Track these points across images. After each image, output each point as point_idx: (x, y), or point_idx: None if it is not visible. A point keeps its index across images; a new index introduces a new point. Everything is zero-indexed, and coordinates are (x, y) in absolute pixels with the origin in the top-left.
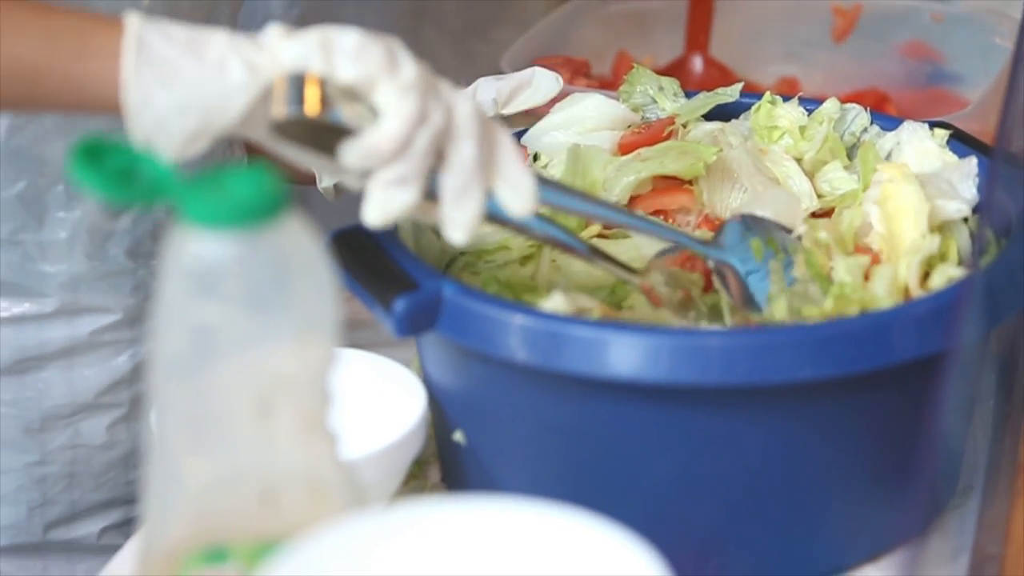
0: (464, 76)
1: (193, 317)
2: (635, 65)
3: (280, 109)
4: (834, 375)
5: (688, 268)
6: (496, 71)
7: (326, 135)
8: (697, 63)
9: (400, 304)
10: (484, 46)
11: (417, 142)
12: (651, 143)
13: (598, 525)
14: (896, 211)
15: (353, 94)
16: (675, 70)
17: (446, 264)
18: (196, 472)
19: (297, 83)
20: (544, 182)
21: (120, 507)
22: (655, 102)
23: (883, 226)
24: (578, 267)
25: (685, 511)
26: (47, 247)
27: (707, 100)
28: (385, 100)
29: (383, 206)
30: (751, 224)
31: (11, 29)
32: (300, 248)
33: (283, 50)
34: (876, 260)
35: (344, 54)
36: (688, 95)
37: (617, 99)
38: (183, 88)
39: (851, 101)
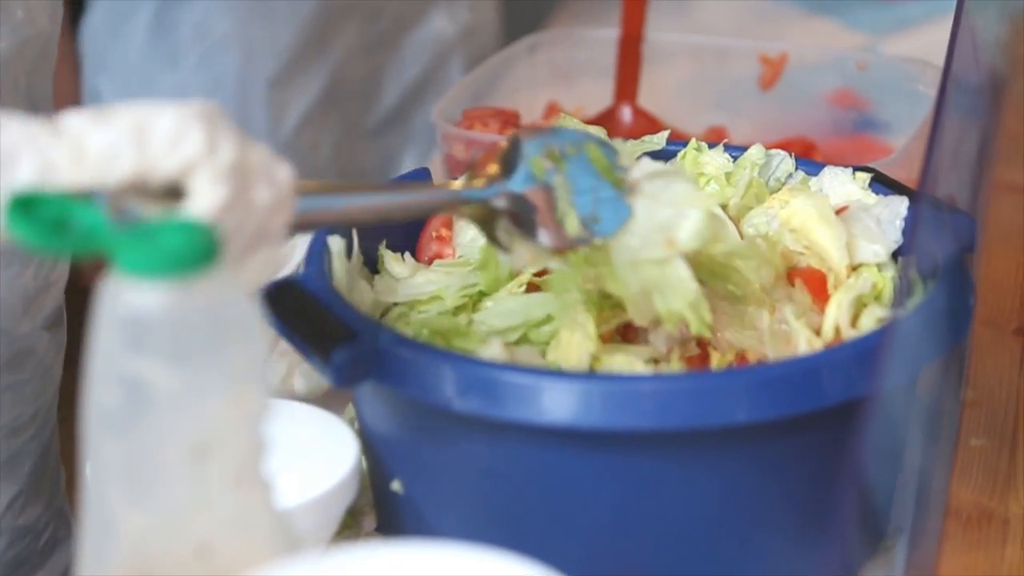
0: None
1: (126, 369)
2: (562, 114)
3: None
4: (768, 418)
5: None
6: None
7: None
8: (626, 113)
9: (338, 355)
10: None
11: (226, 227)
12: None
13: (530, 568)
14: (802, 226)
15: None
16: (605, 120)
17: (380, 314)
18: (131, 523)
19: None
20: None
21: None
22: None
23: (798, 244)
24: (507, 307)
25: (621, 554)
26: None
27: (634, 148)
28: (196, 185)
29: None
30: (532, 138)
31: None
32: (232, 299)
33: (90, 141)
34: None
35: (161, 142)
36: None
37: None
38: None
39: (778, 148)
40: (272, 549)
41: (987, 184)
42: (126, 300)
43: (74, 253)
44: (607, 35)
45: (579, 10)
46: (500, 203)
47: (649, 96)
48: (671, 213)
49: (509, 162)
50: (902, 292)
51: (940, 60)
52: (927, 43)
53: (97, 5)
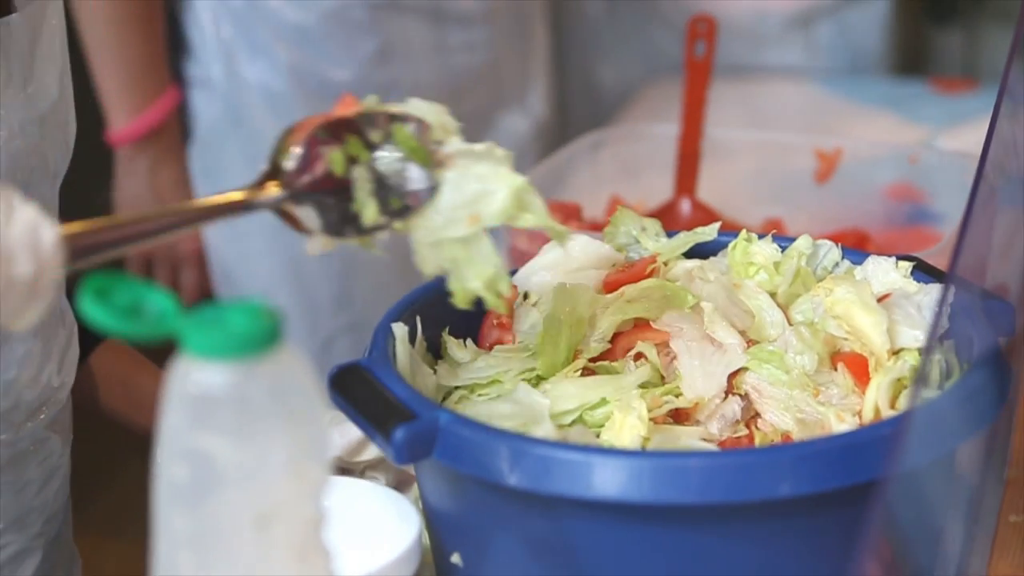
0: None
1: (193, 444)
2: (619, 207)
3: None
4: (807, 492)
5: None
6: None
7: None
8: (685, 206)
9: (399, 433)
10: None
11: None
12: (634, 281)
13: None
14: (845, 312)
15: None
16: (665, 213)
17: (442, 398)
18: None
19: None
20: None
21: None
22: (638, 242)
23: (841, 329)
24: (563, 391)
25: None
26: None
27: (687, 239)
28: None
29: None
30: (336, 130)
31: None
32: (294, 378)
33: None
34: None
35: None
36: (669, 235)
37: (602, 240)
38: None
39: (831, 239)
40: None
41: None
42: (195, 379)
43: (145, 337)
44: (668, 131)
45: (641, 109)
46: (289, 206)
47: (709, 189)
48: (477, 189)
49: (306, 160)
50: (920, 377)
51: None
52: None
53: None
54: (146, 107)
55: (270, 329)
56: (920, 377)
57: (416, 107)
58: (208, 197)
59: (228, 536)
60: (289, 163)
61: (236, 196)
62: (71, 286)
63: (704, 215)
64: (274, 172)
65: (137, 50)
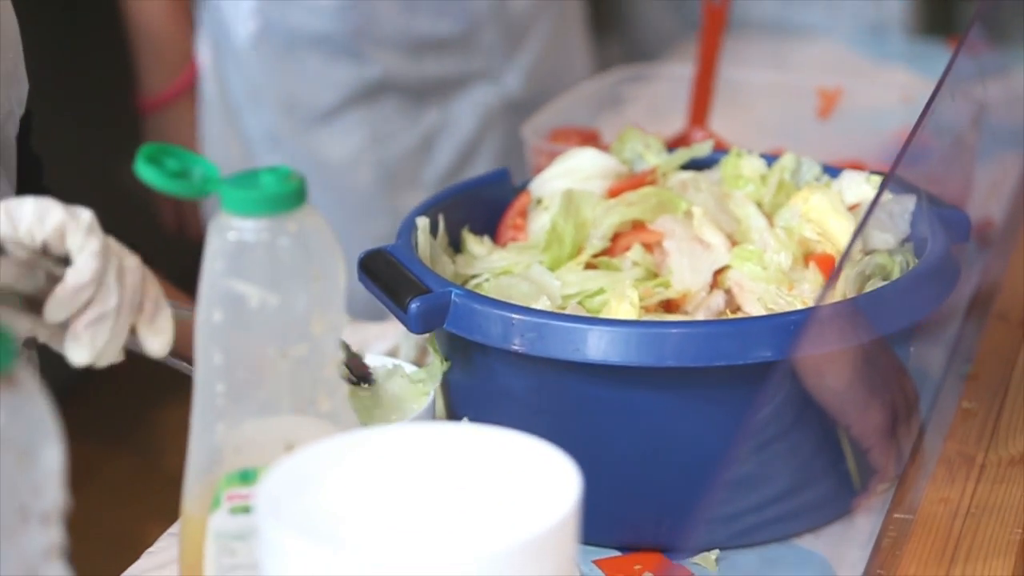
0: None
1: (229, 288)
2: (627, 126)
3: None
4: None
5: None
6: None
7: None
8: (697, 136)
9: (415, 305)
10: None
11: (108, 277)
12: (634, 188)
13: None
14: (819, 217)
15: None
16: (678, 142)
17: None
18: (231, 416)
19: None
20: None
21: None
22: (642, 157)
23: (814, 232)
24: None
25: (647, 480)
26: None
27: (684, 154)
28: (74, 242)
29: (92, 343)
30: None
31: None
32: (316, 233)
33: None
34: (826, 260)
35: (29, 217)
36: (670, 151)
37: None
38: None
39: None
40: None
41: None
42: (232, 231)
43: (192, 194)
44: (690, 72)
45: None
46: None
47: (720, 126)
48: None
49: None
50: (838, 265)
51: None
52: None
53: None
54: (185, 64)
55: (296, 190)
56: (837, 267)
57: None
58: None
59: (256, 368)
60: None
61: None
62: None
63: (715, 144)
64: None
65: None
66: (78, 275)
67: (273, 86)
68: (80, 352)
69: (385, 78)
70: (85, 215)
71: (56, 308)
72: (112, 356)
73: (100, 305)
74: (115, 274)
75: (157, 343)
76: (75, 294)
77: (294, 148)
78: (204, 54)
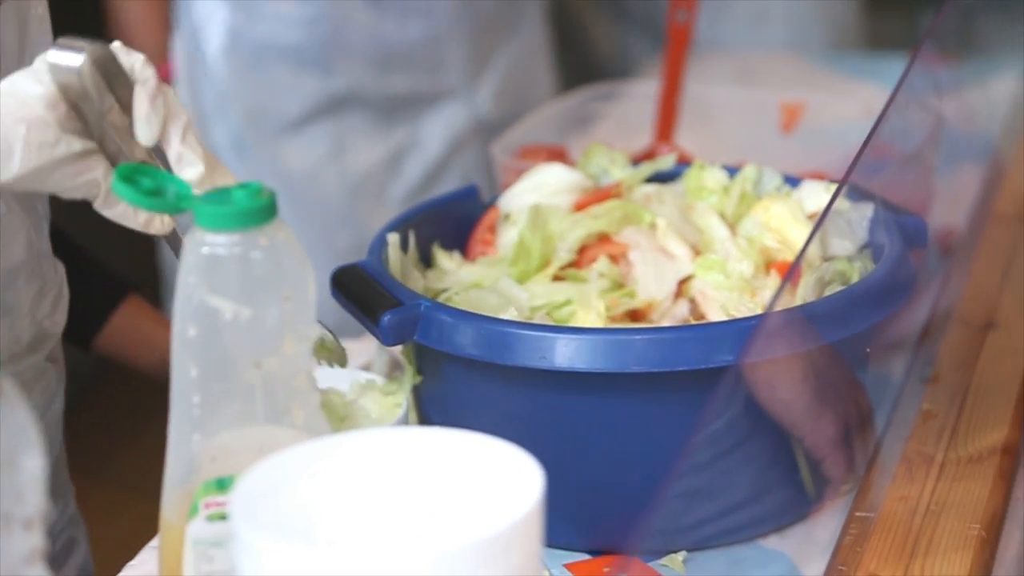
0: None
1: (204, 302)
2: (592, 143)
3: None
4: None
5: None
6: None
7: None
8: (663, 151)
9: (387, 318)
10: None
11: (169, 95)
12: (599, 201)
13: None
14: (779, 226)
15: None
16: (645, 157)
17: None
18: (208, 426)
19: None
20: None
21: None
22: (607, 172)
23: (775, 241)
24: (534, 291)
25: (615, 484)
26: None
27: (648, 168)
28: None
29: (195, 154)
30: None
31: None
32: (287, 247)
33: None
34: (787, 268)
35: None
36: (635, 166)
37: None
38: None
39: None
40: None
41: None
42: (205, 246)
43: (167, 211)
44: (655, 89)
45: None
46: None
47: (686, 140)
48: None
49: None
50: (789, 272)
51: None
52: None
53: None
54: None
55: (267, 205)
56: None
57: None
58: None
59: (230, 379)
60: None
61: None
62: (65, 249)
63: (681, 159)
64: None
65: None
66: (146, 86)
67: (241, 95)
68: (192, 167)
69: (352, 91)
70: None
71: (147, 126)
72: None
73: (179, 118)
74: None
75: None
76: (153, 103)
77: (260, 157)
78: (178, 60)
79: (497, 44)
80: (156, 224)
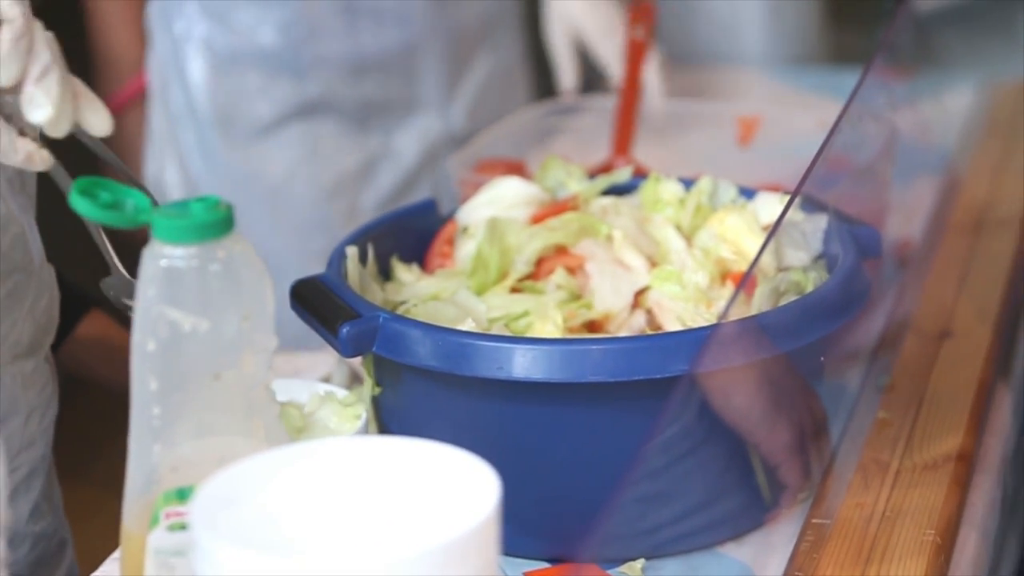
0: None
1: (162, 314)
2: (550, 156)
3: None
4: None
5: None
6: None
7: None
8: (620, 164)
9: (345, 329)
10: None
11: (36, 32)
12: (556, 214)
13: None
14: (734, 237)
15: None
16: (602, 170)
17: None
18: (168, 438)
19: None
20: None
21: None
22: (564, 185)
23: (730, 252)
24: (492, 303)
25: (573, 493)
26: None
27: (605, 181)
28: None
29: (48, 95)
30: None
31: None
32: (245, 259)
33: None
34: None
35: None
36: (591, 179)
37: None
38: None
39: None
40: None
41: (943, 225)
42: (163, 258)
43: (124, 225)
44: (610, 104)
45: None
46: None
47: (643, 154)
48: None
49: None
50: (740, 283)
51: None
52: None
53: None
54: (136, 72)
55: (224, 218)
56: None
57: None
58: None
59: (190, 390)
60: None
61: None
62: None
63: (638, 173)
64: None
65: (133, 16)
66: (12, 26)
67: (213, 98)
68: (40, 109)
69: (325, 96)
70: None
71: (5, 67)
72: (69, 117)
73: (39, 59)
74: (41, 34)
75: (97, 121)
76: (15, 44)
77: (231, 160)
78: (152, 65)
79: (473, 58)
80: (36, 160)
